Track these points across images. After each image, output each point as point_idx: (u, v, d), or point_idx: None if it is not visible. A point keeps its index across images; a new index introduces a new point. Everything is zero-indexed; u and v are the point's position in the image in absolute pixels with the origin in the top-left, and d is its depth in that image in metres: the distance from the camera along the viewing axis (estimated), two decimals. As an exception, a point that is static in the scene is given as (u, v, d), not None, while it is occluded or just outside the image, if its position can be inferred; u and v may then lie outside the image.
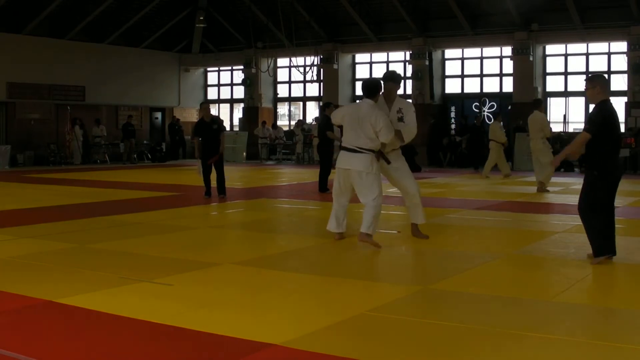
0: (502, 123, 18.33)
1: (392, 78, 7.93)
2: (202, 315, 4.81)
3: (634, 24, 20.57)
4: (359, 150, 7.33)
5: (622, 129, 21.10)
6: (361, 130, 7.33)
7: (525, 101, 22.44)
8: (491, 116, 24.13)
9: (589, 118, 6.68)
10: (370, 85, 7.58)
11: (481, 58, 24.49)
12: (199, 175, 12.43)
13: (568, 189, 14.36)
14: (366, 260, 6.95)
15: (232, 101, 30.17)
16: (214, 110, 30.71)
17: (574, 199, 12.67)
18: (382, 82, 7.76)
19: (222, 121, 12.93)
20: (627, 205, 11.66)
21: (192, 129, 13.38)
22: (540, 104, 14.46)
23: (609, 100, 6.69)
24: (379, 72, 26.26)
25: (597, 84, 6.67)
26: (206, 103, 12.65)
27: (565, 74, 23.09)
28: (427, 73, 24.15)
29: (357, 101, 7.68)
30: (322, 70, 26.14)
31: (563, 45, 22.94)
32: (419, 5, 24.00)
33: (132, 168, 22.89)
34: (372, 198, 7.28)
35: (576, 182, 16.11)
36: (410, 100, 8.59)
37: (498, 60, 24.18)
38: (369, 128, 7.27)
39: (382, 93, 7.70)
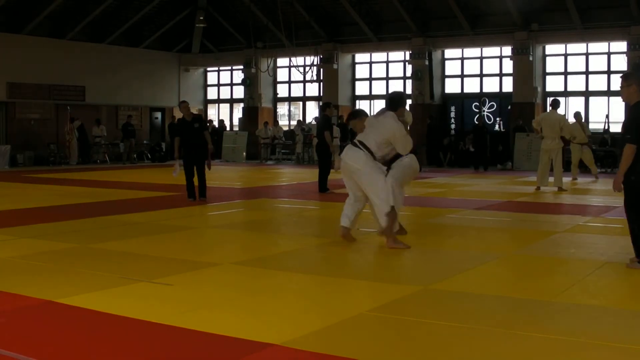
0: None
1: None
2: (202, 315, 4.81)
3: (634, 24, 20.56)
4: (359, 145, 7.38)
5: (620, 128, 21.13)
6: (372, 132, 7.42)
7: (525, 101, 22.52)
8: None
9: (629, 126, 6.13)
10: (392, 98, 7.68)
11: (481, 58, 24.49)
12: (174, 176, 11.95)
13: (568, 188, 14.36)
14: (366, 260, 6.94)
15: (232, 101, 30.18)
16: (213, 111, 30.85)
17: (574, 199, 12.73)
18: (405, 96, 7.95)
19: (204, 119, 12.57)
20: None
21: (169, 127, 12.99)
22: (558, 104, 14.30)
23: None
24: (379, 72, 26.31)
25: (632, 82, 6.18)
26: (185, 102, 12.37)
27: (565, 73, 23.08)
28: (427, 73, 24.15)
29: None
30: (322, 70, 26.14)
31: (563, 45, 22.94)
32: (419, 5, 24.00)
33: (132, 168, 22.89)
34: (377, 196, 7.25)
35: (576, 182, 16.12)
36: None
37: (498, 60, 24.17)
38: (379, 134, 7.33)
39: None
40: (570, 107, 23.02)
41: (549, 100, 15.86)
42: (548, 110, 15.19)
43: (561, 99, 22.88)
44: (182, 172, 11.96)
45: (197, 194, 12.01)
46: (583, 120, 17.53)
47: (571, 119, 17.49)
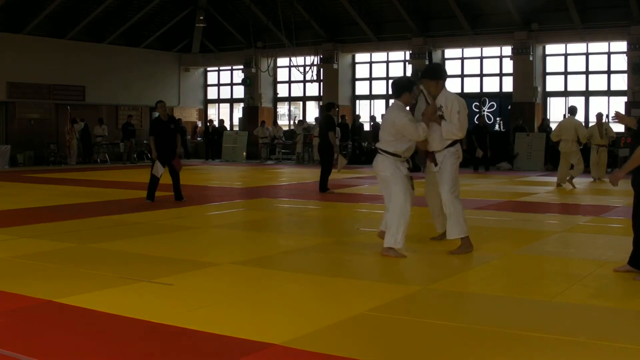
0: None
1: (425, 73, 7.37)
2: (202, 315, 4.81)
3: (634, 23, 20.57)
4: (379, 151, 7.13)
5: (622, 128, 21.13)
6: (382, 131, 7.18)
7: (525, 101, 22.51)
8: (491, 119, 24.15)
9: None
10: (395, 84, 7.25)
11: (481, 58, 24.49)
12: (155, 175, 11.80)
13: (568, 188, 14.36)
14: (366, 260, 6.94)
15: (232, 101, 30.19)
16: (213, 110, 30.84)
17: (574, 199, 12.72)
18: (411, 81, 7.38)
19: (179, 121, 12.46)
20: (627, 205, 11.65)
21: (150, 125, 12.89)
22: (575, 111, 15.24)
23: None
24: (379, 71, 26.32)
25: None
26: (162, 102, 12.38)
27: (565, 73, 23.10)
28: (427, 73, 24.10)
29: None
30: (322, 70, 26.15)
31: (563, 45, 22.95)
32: (419, 5, 24.00)
33: (132, 168, 22.89)
34: (394, 206, 6.89)
35: (576, 182, 16.11)
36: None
37: (498, 60, 24.18)
38: (388, 129, 7.03)
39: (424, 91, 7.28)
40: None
41: (567, 106, 16.46)
42: (566, 117, 15.88)
43: (561, 99, 23.10)
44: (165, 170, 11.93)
45: (174, 198, 11.96)
46: (604, 121, 17.44)
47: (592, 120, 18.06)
